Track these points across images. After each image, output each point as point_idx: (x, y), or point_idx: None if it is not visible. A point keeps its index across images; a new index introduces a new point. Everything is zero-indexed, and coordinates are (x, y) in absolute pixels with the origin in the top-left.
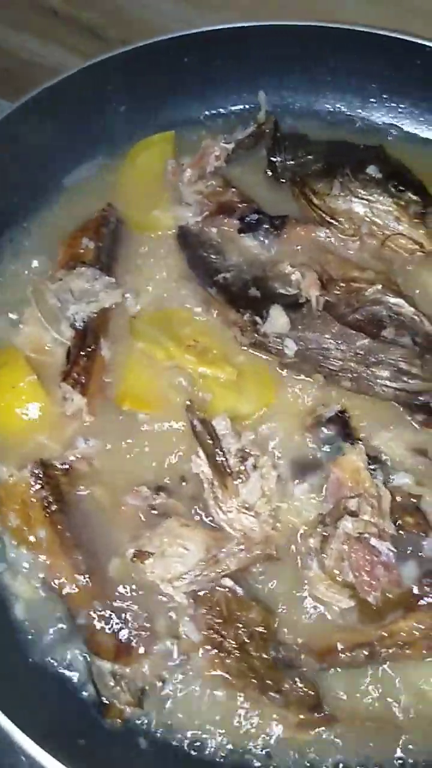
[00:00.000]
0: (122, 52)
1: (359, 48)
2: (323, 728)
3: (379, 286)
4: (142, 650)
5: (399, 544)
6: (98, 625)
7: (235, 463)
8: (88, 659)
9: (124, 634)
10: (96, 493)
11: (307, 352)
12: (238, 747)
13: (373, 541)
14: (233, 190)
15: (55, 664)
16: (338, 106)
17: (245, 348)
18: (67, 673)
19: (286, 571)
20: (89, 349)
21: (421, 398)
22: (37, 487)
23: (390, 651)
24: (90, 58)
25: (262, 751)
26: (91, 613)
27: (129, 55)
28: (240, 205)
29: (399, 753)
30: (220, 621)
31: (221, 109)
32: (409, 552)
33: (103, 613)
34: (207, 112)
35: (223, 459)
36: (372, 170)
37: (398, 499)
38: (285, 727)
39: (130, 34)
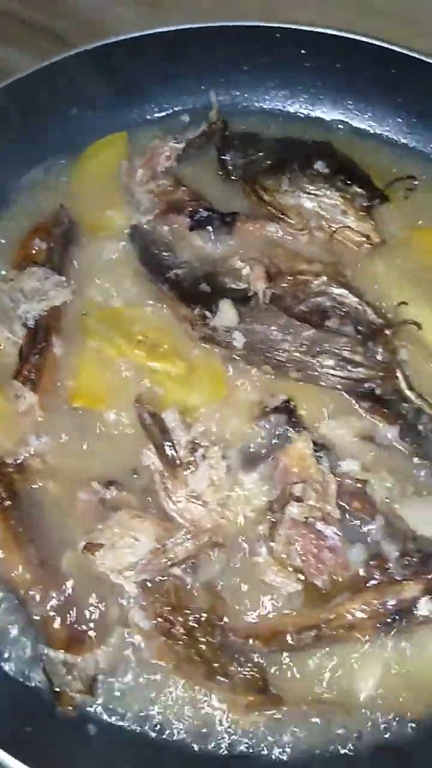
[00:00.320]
0: (74, 54)
1: (307, 47)
2: (271, 710)
3: (325, 278)
4: (93, 640)
5: (345, 528)
6: (51, 616)
7: (185, 454)
8: (40, 648)
9: (76, 625)
10: (49, 489)
11: (256, 344)
12: (188, 731)
13: (319, 526)
14: (184, 188)
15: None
16: (288, 104)
17: (197, 342)
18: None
19: (237, 557)
20: (40, 347)
21: (365, 386)
22: None
23: (336, 633)
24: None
25: (210, 734)
26: (44, 605)
27: (81, 57)
28: (190, 203)
29: (346, 734)
30: (169, 609)
31: (174, 110)
32: (355, 536)
33: (55, 604)
34: (160, 113)
35: (173, 451)
36: (319, 165)
37: (346, 483)
38: (233, 710)
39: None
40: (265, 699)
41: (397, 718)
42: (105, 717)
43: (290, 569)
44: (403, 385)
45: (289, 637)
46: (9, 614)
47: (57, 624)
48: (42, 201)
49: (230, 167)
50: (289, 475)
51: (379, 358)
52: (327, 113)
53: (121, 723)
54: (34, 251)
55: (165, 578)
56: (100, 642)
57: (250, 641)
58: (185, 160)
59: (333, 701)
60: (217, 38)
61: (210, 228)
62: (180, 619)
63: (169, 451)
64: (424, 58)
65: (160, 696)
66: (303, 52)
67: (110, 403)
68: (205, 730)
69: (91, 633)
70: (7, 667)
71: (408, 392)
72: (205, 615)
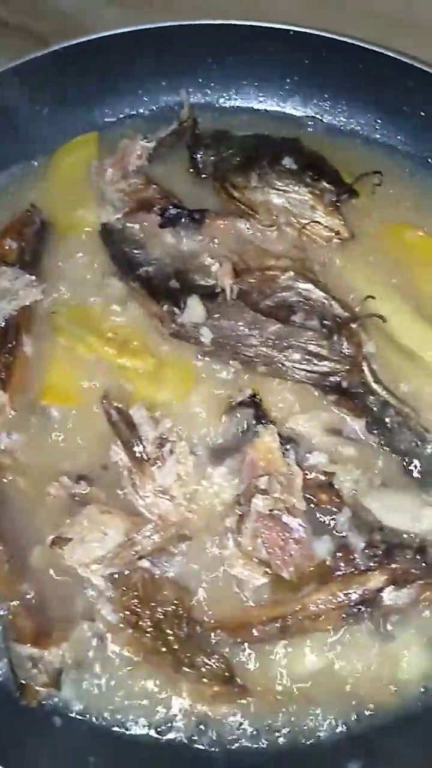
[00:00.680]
0: (45, 54)
1: (276, 45)
2: (236, 700)
3: (292, 273)
4: (60, 633)
5: (312, 520)
6: (18, 611)
7: (152, 449)
8: (6, 642)
9: (42, 619)
10: (19, 485)
11: (223, 339)
12: (154, 724)
13: (285, 518)
14: (155, 187)
15: None
16: (259, 101)
17: (167, 339)
18: None
19: (205, 551)
20: (10, 346)
21: (331, 379)
22: None
23: (302, 624)
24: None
25: (177, 726)
26: (12, 600)
27: (52, 57)
28: (160, 201)
29: (311, 725)
30: (137, 601)
31: (146, 109)
32: (323, 527)
33: (23, 599)
34: (131, 112)
35: (140, 446)
36: (288, 162)
37: (313, 475)
38: (199, 700)
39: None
40: (231, 689)
41: (357, 707)
42: (70, 709)
43: (257, 562)
44: (369, 378)
45: (254, 629)
46: None
47: (24, 618)
48: (13, 201)
49: (201, 165)
50: (256, 469)
51: (344, 351)
52: (298, 110)
53: (86, 715)
54: (5, 251)
55: (133, 571)
56: (67, 635)
57: (217, 633)
58: (157, 158)
59: (295, 691)
60: (188, 37)
61: (180, 225)
62: (147, 611)
63: (135, 447)
64: (391, 54)
65: (125, 688)
66: (271, 49)
67: (80, 400)
68: (169, 723)
69: (58, 627)
70: None
71: (374, 385)
72: (172, 607)
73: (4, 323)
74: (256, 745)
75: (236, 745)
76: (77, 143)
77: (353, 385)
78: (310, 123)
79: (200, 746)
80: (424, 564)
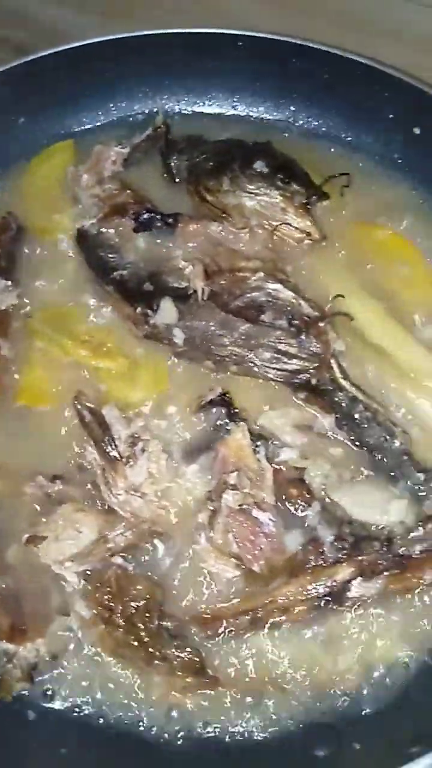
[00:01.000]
0: (19, 64)
1: (251, 51)
2: (208, 691)
3: (261, 274)
4: (35, 629)
5: (283, 515)
6: None
7: (125, 448)
8: None
9: (18, 616)
10: None
11: (195, 340)
12: (127, 717)
13: (255, 513)
14: (129, 192)
15: None
16: (231, 106)
17: (141, 340)
18: None
19: (177, 546)
20: None
21: (300, 377)
22: None
23: (273, 616)
24: None
25: (151, 718)
26: None
27: (27, 66)
28: (134, 206)
29: (283, 716)
30: (110, 597)
31: (120, 116)
32: (293, 521)
33: None
34: (107, 120)
35: (112, 445)
36: (259, 165)
37: (284, 471)
38: (172, 691)
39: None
40: (202, 680)
41: (326, 696)
42: (44, 703)
43: (229, 556)
44: (338, 374)
45: (226, 621)
46: None
47: None
48: None
49: (175, 170)
50: (227, 465)
51: (312, 349)
52: (271, 114)
53: (60, 708)
54: None
55: (106, 567)
56: (42, 631)
57: (189, 626)
58: (132, 164)
59: (266, 682)
60: (162, 45)
61: (154, 229)
62: (120, 606)
63: (108, 446)
64: (358, 59)
65: (99, 681)
66: (244, 56)
67: (55, 401)
68: (141, 713)
69: (34, 623)
70: None
71: (343, 381)
72: (144, 602)
73: None
74: (226, 735)
75: (206, 734)
76: (54, 150)
77: (322, 382)
78: (282, 127)
79: (171, 736)
80: (390, 555)
